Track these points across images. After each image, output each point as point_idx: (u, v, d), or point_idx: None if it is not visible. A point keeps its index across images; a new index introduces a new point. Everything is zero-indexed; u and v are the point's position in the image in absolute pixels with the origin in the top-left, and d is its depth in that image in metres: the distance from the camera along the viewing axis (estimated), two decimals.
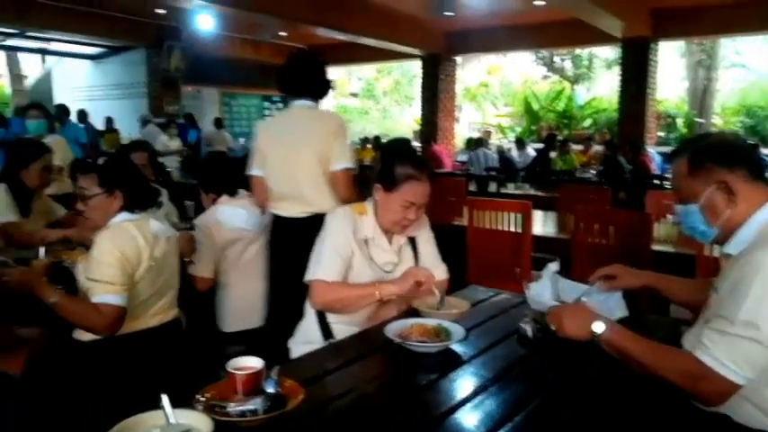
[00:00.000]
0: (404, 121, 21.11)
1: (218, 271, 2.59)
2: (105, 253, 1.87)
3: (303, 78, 2.63)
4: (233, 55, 12.07)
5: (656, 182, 6.76)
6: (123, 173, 2.08)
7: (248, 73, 12.89)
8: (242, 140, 12.44)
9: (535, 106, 16.00)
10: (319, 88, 2.66)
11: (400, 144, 2.08)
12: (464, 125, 18.14)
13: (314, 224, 2.01)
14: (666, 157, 7.88)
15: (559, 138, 9.38)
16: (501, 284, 2.99)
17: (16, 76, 15.80)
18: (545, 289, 1.82)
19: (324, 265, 1.86)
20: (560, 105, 15.98)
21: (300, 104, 2.64)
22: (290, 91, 2.67)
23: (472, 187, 6.11)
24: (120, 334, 1.93)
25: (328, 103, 17.19)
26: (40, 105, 4.29)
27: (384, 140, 10.01)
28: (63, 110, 8.04)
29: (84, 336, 1.95)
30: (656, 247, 3.15)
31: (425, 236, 2.11)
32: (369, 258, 1.94)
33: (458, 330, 1.63)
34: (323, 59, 2.74)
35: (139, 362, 1.95)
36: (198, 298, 2.57)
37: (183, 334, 2.17)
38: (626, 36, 8.83)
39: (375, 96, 22.80)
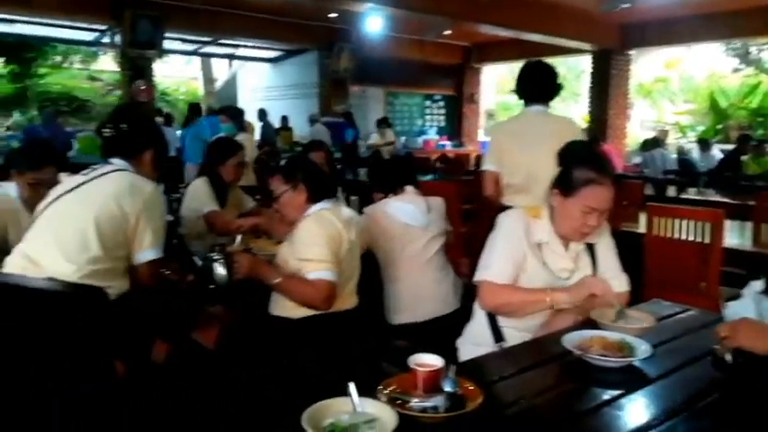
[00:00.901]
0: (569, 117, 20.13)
1: (384, 264, 2.68)
2: (313, 235, 2.05)
3: (537, 86, 2.98)
4: (398, 55, 12.40)
5: None
6: (302, 168, 2.27)
7: (412, 72, 13.16)
8: (403, 139, 12.77)
9: (723, 103, 14.39)
10: (550, 94, 3.01)
11: (578, 146, 1.97)
12: (636, 123, 16.85)
13: None
14: None
15: (754, 138, 8.34)
16: (682, 299, 2.73)
17: (208, 80, 17.70)
18: (747, 310, 1.63)
19: (494, 267, 1.83)
20: (755, 102, 14.18)
21: (535, 109, 2.98)
22: (524, 96, 3.02)
23: (647, 191, 5.67)
24: (314, 314, 2.08)
25: (488, 99, 16.97)
26: (227, 110, 4.75)
27: None
28: (194, 110, 8.99)
29: (286, 312, 2.13)
30: None
31: (605, 243, 1.99)
32: (542, 263, 1.87)
33: (643, 347, 1.52)
34: (553, 68, 3.07)
35: (326, 343, 2.09)
36: (369, 287, 2.68)
37: (362, 321, 2.28)
38: None
39: None
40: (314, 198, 2.21)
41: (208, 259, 2.07)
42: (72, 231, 1.83)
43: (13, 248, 1.97)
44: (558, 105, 23.28)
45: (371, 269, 2.51)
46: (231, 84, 15.94)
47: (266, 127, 10.94)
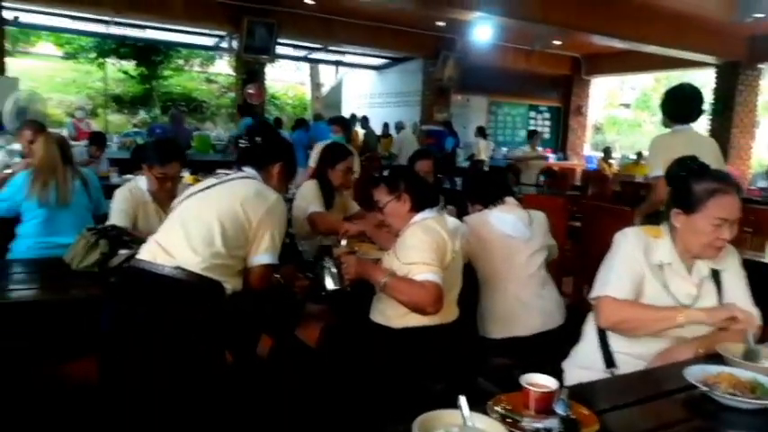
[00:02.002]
0: None
1: (484, 275, 2.62)
2: (421, 240, 2.06)
3: (686, 108, 3.28)
4: (503, 64, 12.23)
5: None
6: (405, 178, 2.29)
7: (517, 82, 12.94)
8: (504, 150, 12.55)
9: None
10: (696, 116, 3.33)
11: (689, 161, 1.87)
12: (761, 143, 15.54)
13: None
14: None
15: None
16: None
17: (315, 85, 18.33)
18: None
19: (614, 282, 1.75)
20: None
21: (685, 128, 3.28)
22: (672, 117, 3.31)
23: None
24: (418, 326, 2.09)
25: (596, 113, 16.33)
26: (339, 120, 4.89)
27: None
28: (300, 122, 9.48)
29: (389, 322, 2.16)
30: None
31: (734, 271, 1.84)
32: (664, 286, 1.76)
33: None
34: (699, 90, 3.36)
35: (425, 354, 2.09)
36: (465, 300, 2.65)
37: (461, 334, 2.26)
38: None
39: (650, 107, 20.92)
40: (417, 207, 2.22)
41: (320, 267, 2.12)
42: (199, 226, 1.96)
43: (145, 236, 2.16)
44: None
45: (467, 281, 2.47)
46: (337, 90, 16.41)
47: (369, 134, 11.14)
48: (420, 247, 2.03)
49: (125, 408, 1.89)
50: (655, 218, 2.26)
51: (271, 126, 2.55)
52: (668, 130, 3.37)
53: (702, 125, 11.62)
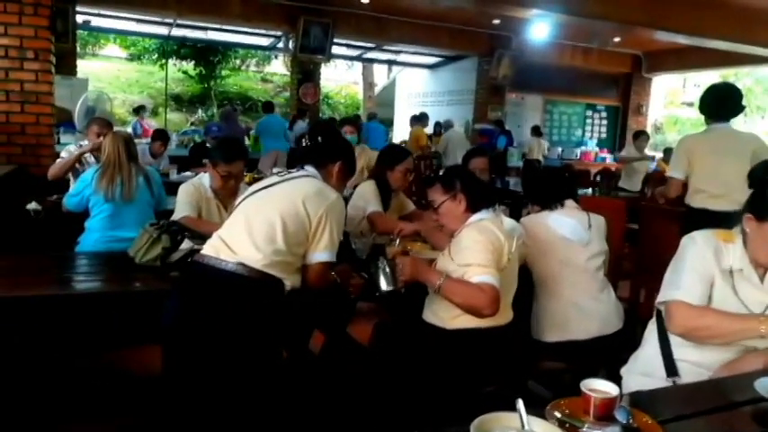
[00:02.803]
0: None
1: (540, 278, 2.58)
2: (477, 242, 2.03)
3: (722, 107, 3.50)
4: (559, 62, 11.97)
5: None
6: (461, 177, 2.27)
7: (573, 80, 12.65)
8: (559, 149, 12.29)
9: None
10: (733, 114, 3.54)
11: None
12: None
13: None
14: None
15: None
16: None
17: (368, 84, 18.44)
18: None
19: (685, 287, 1.67)
20: None
21: (720, 126, 3.50)
22: (709, 115, 3.54)
23: None
24: (470, 327, 2.08)
25: (657, 112, 15.77)
26: (351, 121, 4.90)
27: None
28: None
29: (441, 323, 2.16)
30: None
31: None
32: (733, 292, 1.68)
33: None
34: (739, 91, 3.59)
35: (477, 356, 2.07)
36: (518, 302, 2.61)
37: (511, 337, 2.23)
38: None
39: None
40: (473, 208, 2.19)
41: (374, 267, 2.09)
42: (262, 223, 2.00)
43: (206, 232, 2.25)
44: (738, 120, 20.98)
45: (522, 283, 2.43)
46: (390, 89, 16.45)
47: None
48: (476, 248, 2.00)
49: (185, 398, 1.95)
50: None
51: (332, 126, 2.65)
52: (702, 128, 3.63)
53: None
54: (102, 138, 3.43)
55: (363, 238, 3.05)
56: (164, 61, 15.11)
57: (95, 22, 10.87)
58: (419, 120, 10.55)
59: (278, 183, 2.15)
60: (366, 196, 3.14)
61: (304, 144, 2.32)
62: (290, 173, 2.23)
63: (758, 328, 1.56)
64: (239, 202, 2.16)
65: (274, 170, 2.31)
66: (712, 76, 19.13)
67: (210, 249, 2.03)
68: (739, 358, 1.66)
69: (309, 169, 2.21)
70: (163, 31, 11.84)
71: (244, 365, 1.91)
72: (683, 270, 1.70)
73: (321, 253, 2.07)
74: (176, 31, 11.71)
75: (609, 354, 2.40)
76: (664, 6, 7.62)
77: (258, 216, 2.03)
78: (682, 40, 8.77)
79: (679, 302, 1.66)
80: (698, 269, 1.68)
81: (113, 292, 2.34)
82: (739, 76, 18.91)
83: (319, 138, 2.29)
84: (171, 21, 10.60)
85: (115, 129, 3.79)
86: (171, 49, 15.19)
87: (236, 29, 11.44)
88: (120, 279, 2.47)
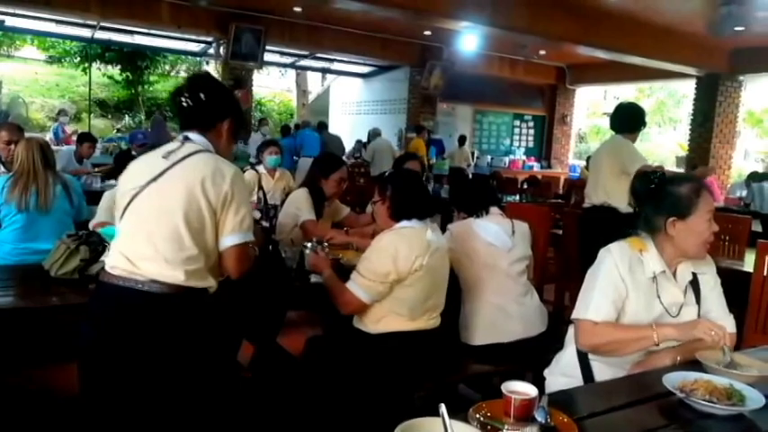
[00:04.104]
0: (665, 145, 19.22)
1: (467, 283, 2.64)
2: (375, 251, 2.15)
3: (623, 122, 4.03)
4: (489, 73, 12.33)
5: None
6: (393, 184, 2.31)
7: (502, 91, 13.05)
8: (489, 158, 12.62)
9: None
10: (637, 128, 4.05)
11: (661, 173, 1.95)
12: (740, 153, 15.81)
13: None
14: None
15: None
16: None
17: (302, 92, 18.33)
18: None
19: (594, 306, 1.76)
20: None
21: (630, 137, 4.02)
22: (620, 128, 4.04)
23: (754, 227, 5.26)
24: (393, 331, 2.11)
25: (580, 122, 16.50)
26: (277, 143, 4.87)
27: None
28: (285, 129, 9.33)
29: (366, 327, 2.19)
30: None
31: (711, 280, 1.88)
32: (657, 297, 1.79)
33: (755, 396, 1.41)
34: (641, 108, 4.22)
35: (405, 360, 2.09)
36: (447, 307, 2.66)
37: (438, 341, 2.27)
38: None
39: None
40: (395, 216, 2.24)
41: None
42: (164, 229, 1.74)
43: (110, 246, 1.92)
44: (653, 131, 22.22)
45: (450, 288, 2.48)
46: (323, 97, 16.42)
47: (332, 140, 11.04)
48: (369, 259, 2.16)
49: (105, 417, 1.83)
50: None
51: (213, 77, 2.17)
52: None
53: (682, 135, 11.80)
54: (12, 145, 3.24)
55: (294, 247, 3.03)
56: (87, 65, 14.46)
57: (10, 21, 10.30)
58: (418, 132, 10.94)
59: (166, 170, 1.78)
60: (299, 204, 3.16)
61: (184, 104, 1.86)
62: (174, 152, 1.82)
63: (652, 337, 1.68)
64: (128, 203, 1.79)
65: (159, 151, 1.86)
66: (630, 89, 20.27)
67: (114, 267, 1.76)
68: (651, 356, 1.76)
69: (195, 138, 1.85)
70: (85, 33, 11.34)
71: (166, 383, 1.77)
72: (594, 287, 1.79)
73: (233, 235, 1.82)
74: (100, 34, 11.23)
75: (535, 355, 2.48)
76: (586, 23, 8.00)
77: (157, 221, 1.75)
78: (602, 55, 9.24)
79: (587, 321, 1.76)
80: (610, 285, 1.77)
81: (27, 307, 2.21)
82: (653, 90, 20.09)
83: (202, 95, 1.86)
84: (94, 23, 10.18)
85: (30, 135, 3.60)
86: (95, 52, 14.56)
87: (166, 34, 11.12)
88: (35, 293, 2.33)
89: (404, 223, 2.20)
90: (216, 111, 1.91)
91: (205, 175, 1.76)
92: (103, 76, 15.72)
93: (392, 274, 2.12)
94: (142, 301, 1.72)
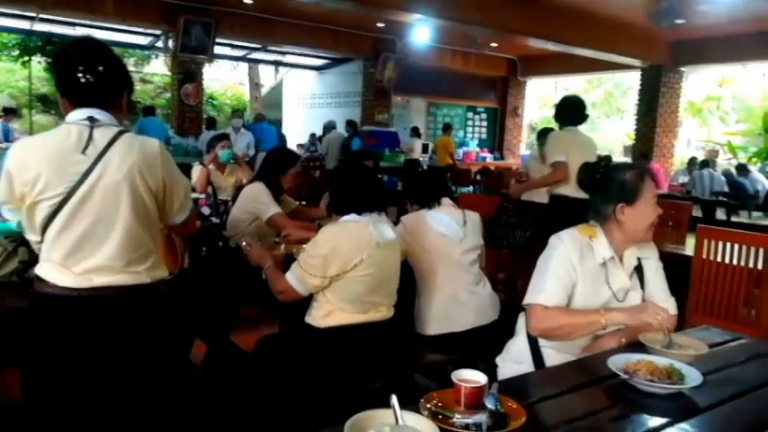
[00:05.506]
0: (613, 134, 19.79)
1: (420, 274, 2.66)
2: (315, 244, 2.16)
3: (566, 113, 4.22)
4: (442, 66, 12.41)
5: None
6: (335, 178, 2.40)
7: (455, 83, 13.15)
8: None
9: None
10: (580, 119, 4.21)
11: (607, 160, 2.03)
12: (683, 142, 16.44)
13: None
14: None
15: None
16: (727, 325, 2.71)
17: (254, 85, 18.05)
18: None
19: (546, 290, 1.80)
20: None
21: (574, 129, 4.18)
22: (559, 121, 4.27)
23: (694, 212, 5.50)
24: (342, 325, 2.11)
25: (532, 114, 16.81)
26: (227, 137, 4.80)
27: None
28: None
29: (315, 322, 2.17)
30: None
31: (654, 265, 1.95)
32: (606, 282, 1.84)
33: (693, 374, 1.47)
34: (583, 100, 4.36)
35: (359, 353, 2.10)
36: (402, 298, 2.67)
37: (392, 333, 2.28)
38: None
39: None
40: (335, 210, 2.26)
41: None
42: (117, 234, 1.62)
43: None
44: (603, 121, 22.80)
45: (403, 280, 2.50)
46: (277, 90, 16.21)
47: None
48: (308, 252, 2.17)
49: (53, 424, 1.76)
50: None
51: (104, 44, 1.89)
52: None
53: (629, 125, 12.18)
54: None
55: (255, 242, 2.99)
56: (26, 58, 13.83)
57: None
58: (445, 129, 11.30)
59: (92, 168, 1.58)
60: (259, 198, 3.11)
61: (82, 80, 1.63)
62: (90, 141, 1.60)
63: (600, 321, 1.73)
64: (52, 213, 1.59)
65: (66, 142, 1.60)
66: (579, 81, 20.77)
67: (56, 281, 1.60)
68: (597, 340, 1.82)
69: (103, 117, 1.65)
70: (24, 25, 10.82)
71: (122, 387, 1.66)
72: (546, 273, 1.83)
73: (181, 213, 1.77)
74: (40, 26, 10.76)
75: (489, 343, 2.52)
76: (535, 16, 8.15)
77: (106, 227, 1.61)
78: (551, 47, 9.41)
79: (538, 306, 1.80)
80: (561, 271, 1.81)
81: None
82: (602, 81, 20.64)
83: (100, 67, 1.65)
84: (33, 14, 9.74)
85: None
86: (35, 45, 13.96)
87: (110, 26, 10.74)
88: None
89: (346, 217, 2.21)
90: (117, 84, 1.72)
91: (138, 163, 1.63)
92: (45, 71, 15.10)
93: (331, 268, 2.11)
94: (95, 308, 1.61)
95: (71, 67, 1.65)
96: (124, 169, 1.61)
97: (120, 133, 1.64)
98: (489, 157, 13.20)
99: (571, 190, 3.89)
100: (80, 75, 1.63)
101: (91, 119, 1.63)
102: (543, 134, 5.46)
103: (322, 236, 2.18)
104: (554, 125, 4.65)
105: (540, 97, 18.78)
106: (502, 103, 14.13)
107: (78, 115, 1.65)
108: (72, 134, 1.61)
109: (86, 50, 1.69)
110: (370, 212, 2.21)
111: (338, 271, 2.11)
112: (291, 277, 2.18)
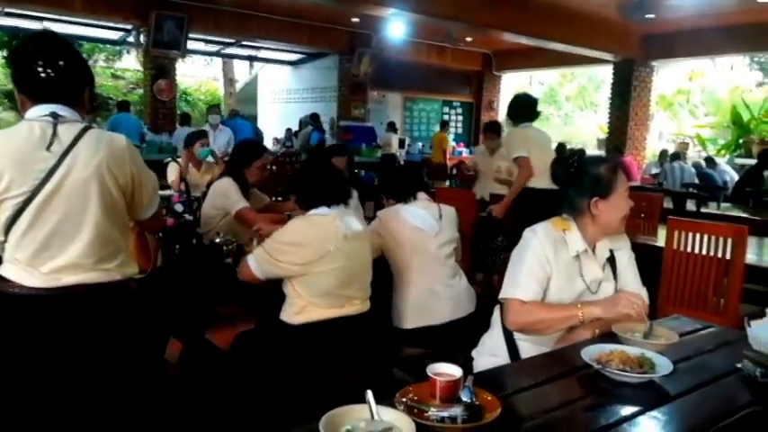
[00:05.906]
0: (587, 128, 20.03)
1: (396, 268, 2.67)
2: (281, 232, 2.19)
3: (522, 111, 4.29)
4: (418, 60, 12.41)
5: None
6: (298, 175, 2.44)
7: (431, 78, 13.17)
8: (420, 144, 12.74)
9: (745, 117, 14.17)
10: (534, 116, 4.32)
11: (581, 154, 2.06)
12: (654, 135, 16.71)
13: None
14: None
15: None
16: (698, 315, 2.76)
17: (229, 80, 17.84)
18: None
19: (522, 284, 1.81)
20: None
21: (529, 125, 4.27)
22: (513, 118, 4.33)
23: (665, 204, 5.59)
24: (316, 320, 2.11)
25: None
26: (204, 135, 4.72)
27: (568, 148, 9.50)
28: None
29: (289, 319, 2.16)
30: None
31: (626, 256, 1.98)
32: (580, 275, 1.86)
33: (664, 363, 1.50)
34: (535, 97, 4.54)
35: (335, 348, 2.10)
36: (379, 292, 2.68)
37: (368, 327, 2.28)
38: None
39: (557, 102, 21.95)
40: (301, 205, 2.30)
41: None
42: (86, 233, 1.60)
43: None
44: (576, 115, 23.02)
45: (381, 274, 2.51)
46: (252, 85, 16.06)
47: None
48: (273, 238, 2.21)
49: (25, 426, 1.72)
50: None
51: (64, 38, 1.86)
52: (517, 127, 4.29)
53: (603, 118, 12.33)
54: None
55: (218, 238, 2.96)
56: None
57: None
58: (442, 126, 11.40)
59: (58, 165, 1.55)
60: (227, 194, 3.09)
61: (42, 74, 1.58)
62: (55, 137, 1.56)
63: (577, 315, 1.75)
64: (15, 212, 1.54)
65: (29, 139, 1.56)
66: (553, 75, 20.98)
67: (22, 281, 1.57)
68: (572, 332, 1.84)
69: (66, 113, 1.61)
70: None
71: (96, 385, 1.65)
72: (521, 267, 1.84)
73: (150, 208, 1.76)
74: (5, 20, 10.49)
75: (465, 336, 2.54)
76: (509, 10, 8.19)
77: (75, 226, 1.58)
78: (525, 41, 9.49)
79: (515, 301, 1.81)
80: (536, 265, 1.83)
81: None
82: (575, 75, 20.87)
83: (61, 62, 1.61)
84: None
85: None
86: (0, 40, 13.63)
87: (81, 21, 10.51)
88: None
89: (314, 210, 2.22)
90: (78, 79, 1.68)
91: (106, 159, 1.60)
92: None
93: (294, 256, 2.13)
94: (66, 307, 1.59)
95: (31, 61, 1.60)
96: (92, 166, 1.58)
97: (85, 129, 1.61)
98: (465, 152, 13.26)
99: (536, 182, 4.01)
100: (40, 69, 1.59)
101: (54, 115, 1.59)
102: (491, 129, 5.55)
103: (290, 226, 2.22)
104: None
105: (514, 91, 18.88)
106: (477, 97, 14.19)
107: (40, 111, 1.60)
108: (35, 131, 1.56)
109: (46, 44, 1.65)
110: (338, 205, 2.22)
111: (302, 261, 2.12)
112: (251, 259, 2.23)
